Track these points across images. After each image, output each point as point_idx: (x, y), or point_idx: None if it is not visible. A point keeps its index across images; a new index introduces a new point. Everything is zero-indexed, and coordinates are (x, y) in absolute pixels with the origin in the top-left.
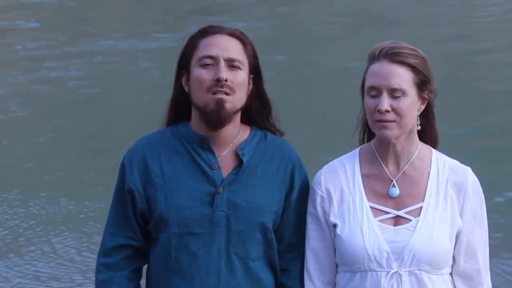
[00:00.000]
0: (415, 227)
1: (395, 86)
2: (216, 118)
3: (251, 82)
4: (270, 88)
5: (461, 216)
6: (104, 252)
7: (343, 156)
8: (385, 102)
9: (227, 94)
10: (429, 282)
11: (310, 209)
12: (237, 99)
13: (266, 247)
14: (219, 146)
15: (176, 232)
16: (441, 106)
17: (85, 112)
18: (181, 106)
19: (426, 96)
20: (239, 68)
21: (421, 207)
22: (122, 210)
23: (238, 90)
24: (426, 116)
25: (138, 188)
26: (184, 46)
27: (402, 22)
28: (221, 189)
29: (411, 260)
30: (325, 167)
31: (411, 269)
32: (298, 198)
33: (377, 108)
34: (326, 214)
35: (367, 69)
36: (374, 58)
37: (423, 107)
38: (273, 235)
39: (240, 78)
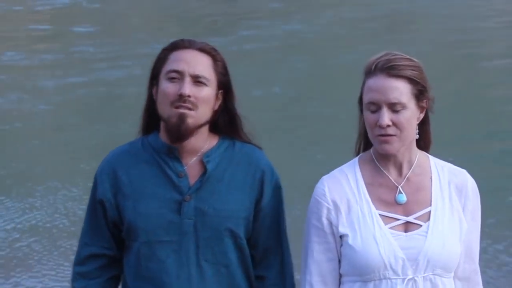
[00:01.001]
0: (427, 232)
1: (394, 100)
2: (177, 132)
3: (220, 97)
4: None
5: (465, 217)
6: (79, 261)
7: (342, 166)
8: (386, 117)
9: (189, 109)
10: (442, 287)
11: (313, 221)
12: (200, 114)
13: (237, 253)
14: (186, 155)
15: (145, 240)
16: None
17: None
18: (152, 115)
19: (424, 105)
20: (204, 84)
21: (430, 212)
22: (95, 220)
23: (201, 105)
24: (422, 122)
25: (109, 198)
26: (156, 58)
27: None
28: (188, 196)
29: (426, 266)
30: (325, 178)
31: (425, 274)
32: (271, 204)
33: (378, 123)
34: (333, 226)
35: (364, 83)
36: (370, 72)
37: (422, 115)
38: (244, 241)
39: (204, 94)
